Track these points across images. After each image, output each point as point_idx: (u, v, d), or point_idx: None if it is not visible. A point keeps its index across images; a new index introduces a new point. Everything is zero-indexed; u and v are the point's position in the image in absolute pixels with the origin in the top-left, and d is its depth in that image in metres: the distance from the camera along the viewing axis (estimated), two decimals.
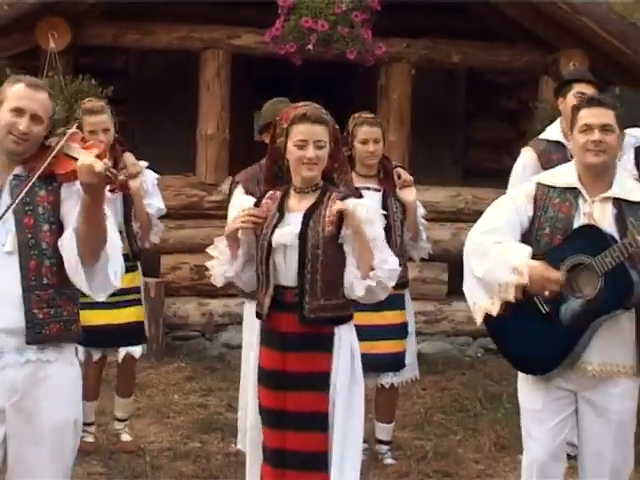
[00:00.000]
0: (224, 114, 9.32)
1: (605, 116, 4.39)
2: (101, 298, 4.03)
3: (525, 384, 4.63)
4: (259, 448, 4.61)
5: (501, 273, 4.40)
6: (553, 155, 6.29)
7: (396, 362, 6.19)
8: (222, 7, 9.41)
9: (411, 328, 6.31)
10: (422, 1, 9.51)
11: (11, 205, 3.89)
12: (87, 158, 3.77)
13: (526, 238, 4.52)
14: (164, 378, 8.10)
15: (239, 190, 5.99)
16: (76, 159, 3.85)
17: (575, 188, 4.46)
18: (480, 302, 4.60)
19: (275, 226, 4.45)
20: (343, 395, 4.46)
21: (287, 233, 4.43)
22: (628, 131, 6.58)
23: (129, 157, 6.29)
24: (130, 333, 6.40)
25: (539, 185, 4.59)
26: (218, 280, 4.60)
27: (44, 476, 4.01)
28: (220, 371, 8.62)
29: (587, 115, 4.41)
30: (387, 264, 4.44)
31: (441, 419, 7.31)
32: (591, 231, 4.38)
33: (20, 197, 3.88)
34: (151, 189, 6.34)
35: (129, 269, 6.20)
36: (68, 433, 4.07)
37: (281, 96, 6.66)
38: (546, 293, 4.33)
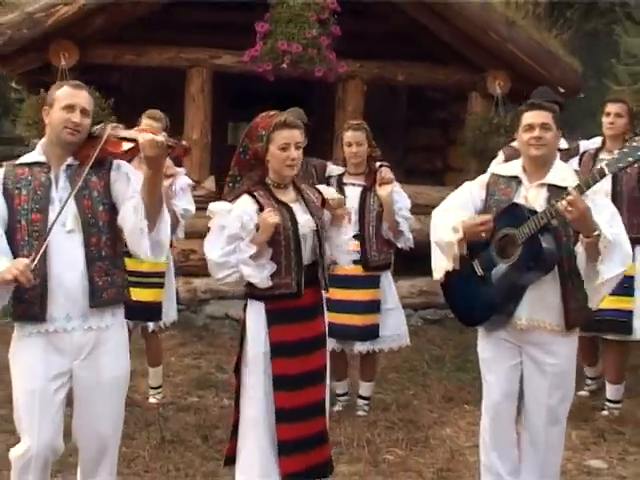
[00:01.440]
0: (206, 123, 9.34)
1: (544, 117, 4.47)
2: (161, 259, 4.23)
3: (481, 339, 4.72)
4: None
5: (445, 235, 4.51)
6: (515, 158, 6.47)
7: (365, 333, 6.19)
8: (205, 32, 9.41)
9: (395, 304, 6.31)
10: (373, 29, 9.67)
11: (72, 192, 3.94)
12: (147, 135, 3.85)
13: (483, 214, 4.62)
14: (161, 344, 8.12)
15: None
16: (127, 139, 3.91)
17: (517, 177, 4.58)
18: (438, 262, 4.69)
19: (291, 219, 4.39)
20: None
21: (308, 222, 4.42)
22: (593, 140, 6.81)
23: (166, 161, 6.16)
24: (149, 311, 6.31)
25: (492, 175, 4.72)
26: (266, 283, 4.36)
27: (109, 415, 4.18)
28: (206, 338, 8.66)
29: (529, 116, 4.50)
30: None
31: (395, 377, 7.37)
32: (515, 208, 4.49)
33: (79, 184, 3.95)
34: (178, 191, 6.21)
35: None
36: (123, 381, 4.26)
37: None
38: (482, 235, 4.43)
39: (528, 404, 4.62)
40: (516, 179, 4.57)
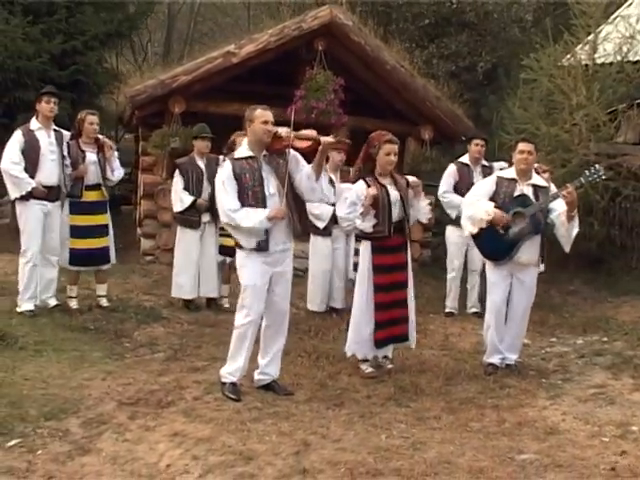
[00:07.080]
0: None
1: (530, 147, 4.87)
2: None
3: (492, 270, 5.03)
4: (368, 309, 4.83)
5: (480, 213, 4.85)
6: (464, 170, 6.85)
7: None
8: (257, 96, 9.52)
9: None
10: (355, 98, 9.97)
11: (286, 178, 4.19)
12: (327, 137, 4.20)
13: (493, 199, 4.95)
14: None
15: None
16: (303, 138, 4.13)
17: (514, 178, 4.94)
18: (467, 227, 5.01)
19: (386, 193, 4.77)
20: (411, 272, 4.97)
21: (396, 196, 4.78)
22: (499, 163, 6.94)
23: None
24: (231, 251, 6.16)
25: (498, 177, 5.05)
26: (369, 229, 4.77)
27: (287, 296, 4.48)
28: None
29: (522, 146, 4.89)
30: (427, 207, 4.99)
31: None
32: (522, 197, 4.88)
33: (287, 171, 4.22)
34: None
35: None
36: (291, 277, 4.51)
37: None
38: (499, 225, 4.83)
39: (512, 306, 5.02)
40: (514, 180, 4.92)
